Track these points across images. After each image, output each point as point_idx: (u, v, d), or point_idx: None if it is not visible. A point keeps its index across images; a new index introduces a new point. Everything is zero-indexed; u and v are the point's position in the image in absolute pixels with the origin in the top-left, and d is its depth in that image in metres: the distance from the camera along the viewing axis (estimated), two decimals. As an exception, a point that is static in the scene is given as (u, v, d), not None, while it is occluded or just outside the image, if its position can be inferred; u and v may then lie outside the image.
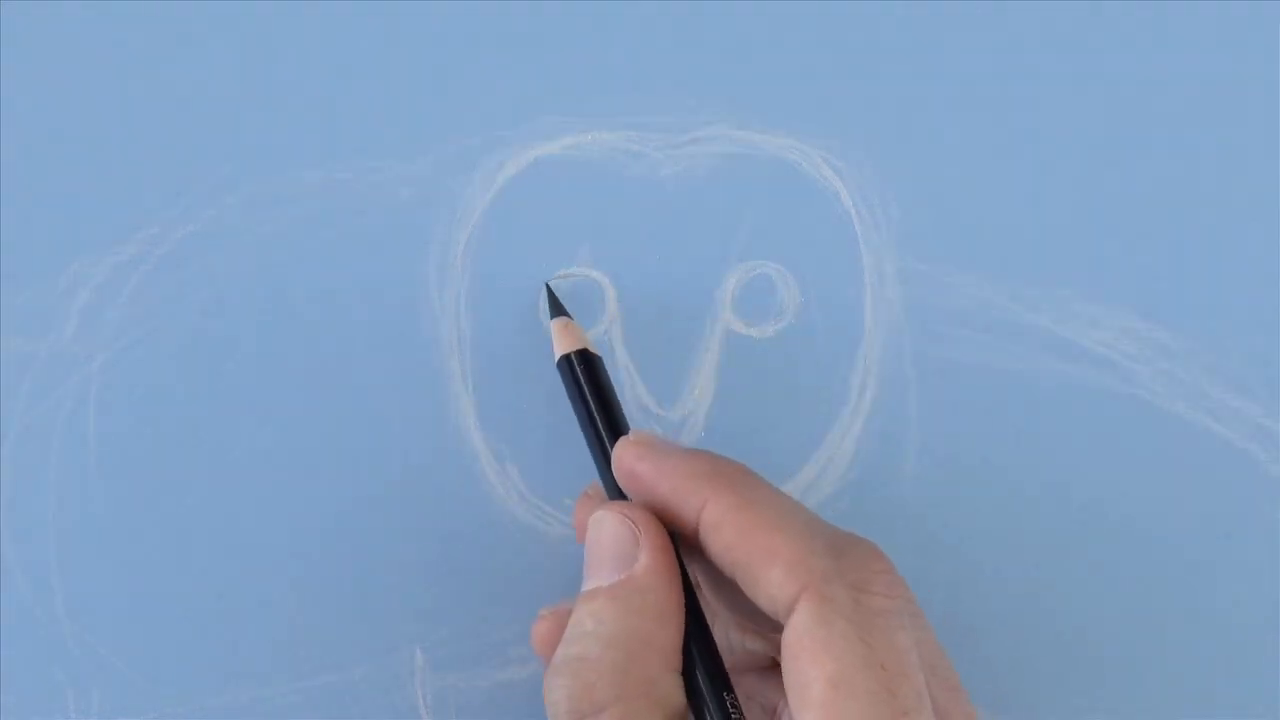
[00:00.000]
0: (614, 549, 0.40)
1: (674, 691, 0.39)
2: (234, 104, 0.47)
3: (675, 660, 0.39)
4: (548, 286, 0.47)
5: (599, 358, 0.45)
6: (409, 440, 0.47)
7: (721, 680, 0.39)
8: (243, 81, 0.47)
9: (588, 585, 0.40)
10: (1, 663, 0.46)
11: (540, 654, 0.42)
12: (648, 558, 0.39)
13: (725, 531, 0.39)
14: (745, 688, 0.43)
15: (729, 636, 0.44)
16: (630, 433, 0.42)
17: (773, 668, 0.43)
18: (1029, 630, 0.47)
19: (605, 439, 0.43)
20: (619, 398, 0.44)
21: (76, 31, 0.47)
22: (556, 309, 0.46)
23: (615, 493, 0.42)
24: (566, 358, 0.44)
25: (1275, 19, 0.48)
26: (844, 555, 0.38)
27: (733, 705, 0.39)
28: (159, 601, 0.46)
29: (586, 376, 0.44)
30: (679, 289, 0.47)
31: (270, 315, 0.47)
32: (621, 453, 0.41)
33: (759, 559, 0.38)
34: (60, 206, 0.47)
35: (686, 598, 0.40)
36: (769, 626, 0.40)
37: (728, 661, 0.41)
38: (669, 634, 0.39)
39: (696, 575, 0.42)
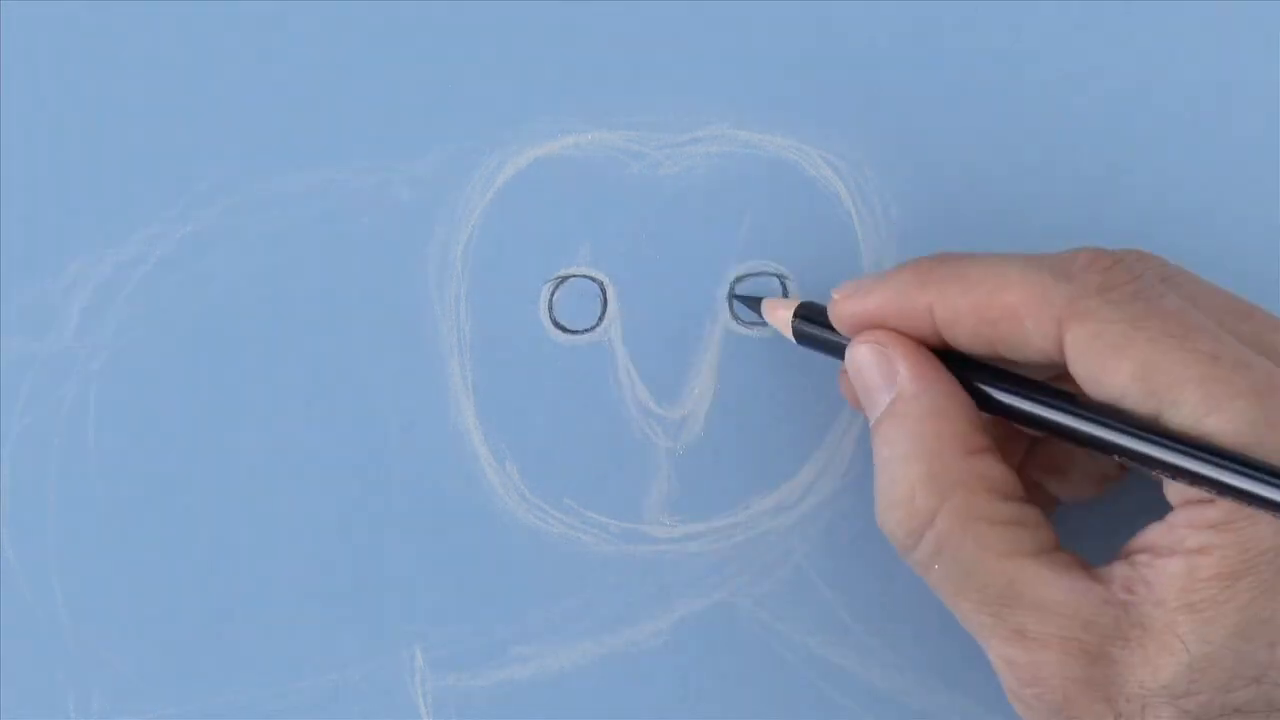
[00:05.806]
0: (878, 374, 0.42)
1: (990, 468, 0.40)
2: (234, 104, 0.47)
3: (977, 440, 0.41)
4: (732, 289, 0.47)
5: (809, 304, 0.45)
6: (409, 440, 0.47)
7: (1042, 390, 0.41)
8: (243, 81, 0.47)
9: (871, 418, 0.42)
10: (1, 663, 0.46)
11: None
12: (907, 368, 0.41)
13: (963, 321, 0.40)
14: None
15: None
16: (833, 291, 0.43)
17: None
18: (1029, 630, 0.47)
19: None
20: (620, 395, 0.44)
21: (76, 31, 0.47)
22: (752, 303, 0.47)
23: None
24: (798, 318, 0.45)
25: (1275, 19, 0.48)
26: (1072, 271, 0.39)
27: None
28: (159, 601, 0.46)
29: (819, 321, 0.44)
30: (679, 289, 0.47)
31: (270, 315, 0.47)
32: (837, 309, 0.43)
33: (1006, 326, 0.40)
34: (60, 206, 0.47)
35: (962, 380, 0.41)
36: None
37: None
38: (958, 423, 0.41)
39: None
